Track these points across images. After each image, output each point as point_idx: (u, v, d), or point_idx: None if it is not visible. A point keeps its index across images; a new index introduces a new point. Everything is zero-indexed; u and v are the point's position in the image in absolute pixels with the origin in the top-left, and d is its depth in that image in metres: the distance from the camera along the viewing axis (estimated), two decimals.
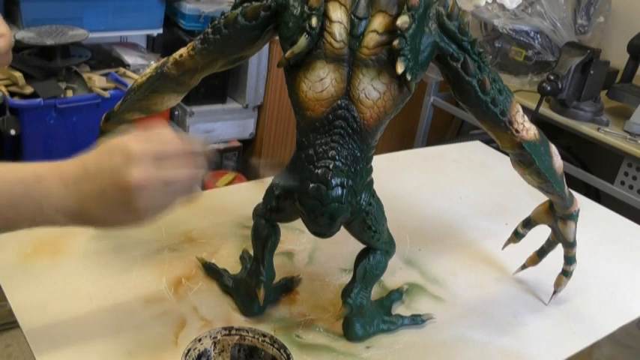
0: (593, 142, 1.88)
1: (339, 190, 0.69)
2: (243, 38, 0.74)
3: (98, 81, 1.85)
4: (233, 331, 0.73)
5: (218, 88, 2.38)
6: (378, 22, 0.68)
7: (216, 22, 0.74)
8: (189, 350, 0.69)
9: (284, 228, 0.83)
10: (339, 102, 0.69)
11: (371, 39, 0.68)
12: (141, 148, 0.59)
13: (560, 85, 1.82)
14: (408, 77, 0.67)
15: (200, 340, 0.70)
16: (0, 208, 0.57)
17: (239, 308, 0.85)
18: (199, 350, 0.70)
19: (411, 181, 1.30)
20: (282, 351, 0.71)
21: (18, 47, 1.84)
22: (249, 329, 0.73)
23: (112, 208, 0.59)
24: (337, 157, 0.70)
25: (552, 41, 2.09)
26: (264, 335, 0.72)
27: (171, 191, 0.61)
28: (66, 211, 0.59)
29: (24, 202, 0.57)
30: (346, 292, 0.81)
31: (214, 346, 0.72)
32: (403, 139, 2.62)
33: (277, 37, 0.73)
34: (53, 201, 0.58)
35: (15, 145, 1.76)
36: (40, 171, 0.59)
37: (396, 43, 0.66)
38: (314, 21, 0.66)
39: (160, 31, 2.18)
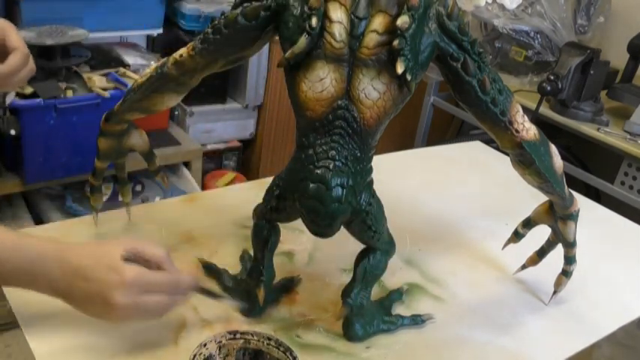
0: (593, 142, 1.88)
1: (339, 190, 0.69)
2: (243, 38, 0.74)
3: (98, 81, 1.85)
4: (238, 335, 0.73)
5: (218, 88, 2.38)
6: (378, 22, 0.68)
7: (216, 22, 0.74)
8: (194, 355, 0.69)
9: (284, 228, 0.83)
10: (339, 102, 0.69)
11: (371, 39, 0.68)
12: (134, 277, 0.69)
13: (560, 85, 1.82)
14: (408, 77, 0.67)
15: (205, 344, 0.71)
16: (2, 274, 0.70)
17: (239, 308, 0.85)
18: (204, 355, 0.70)
19: (411, 181, 1.30)
20: (287, 354, 0.71)
21: None
22: (254, 332, 0.73)
23: (92, 309, 0.71)
24: (337, 157, 0.70)
25: (552, 41, 2.09)
26: (269, 338, 0.72)
27: (147, 313, 0.73)
28: (55, 290, 0.71)
29: (26, 275, 0.70)
30: (346, 292, 0.81)
31: (219, 350, 0.72)
32: (403, 139, 2.62)
33: (277, 37, 0.73)
34: (47, 280, 0.70)
35: (15, 145, 1.76)
36: (46, 252, 0.71)
37: (396, 43, 0.66)
38: (314, 21, 0.66)
39: (160, 31, 2.17)
